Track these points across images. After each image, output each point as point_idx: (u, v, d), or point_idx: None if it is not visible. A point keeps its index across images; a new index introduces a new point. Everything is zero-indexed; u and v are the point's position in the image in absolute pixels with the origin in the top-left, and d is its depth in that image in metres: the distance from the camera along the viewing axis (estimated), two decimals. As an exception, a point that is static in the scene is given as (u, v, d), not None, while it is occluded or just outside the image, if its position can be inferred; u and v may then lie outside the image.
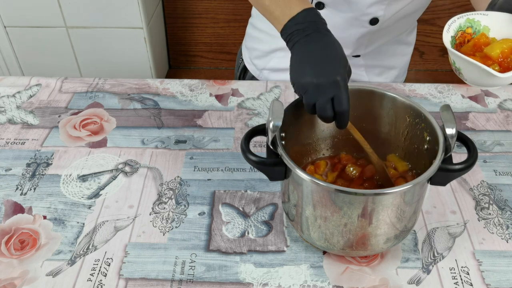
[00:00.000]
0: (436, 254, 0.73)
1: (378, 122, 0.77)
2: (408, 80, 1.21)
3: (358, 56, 1.06)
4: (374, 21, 0.95)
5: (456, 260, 0.72)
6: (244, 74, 1.21)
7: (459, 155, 0.88)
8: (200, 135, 0.94)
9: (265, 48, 1.12)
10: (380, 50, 1.07)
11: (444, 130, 0.65)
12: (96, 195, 0.82)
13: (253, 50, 1.16)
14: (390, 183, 0.73)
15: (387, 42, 1.06)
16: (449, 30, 0.70)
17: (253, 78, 1.17)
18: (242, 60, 1.20)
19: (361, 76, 1.09)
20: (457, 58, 0.65)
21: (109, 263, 0.72)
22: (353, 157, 0.81)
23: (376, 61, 1.08)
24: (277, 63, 1.11)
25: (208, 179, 0.85)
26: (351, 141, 0.81)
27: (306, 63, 0.68)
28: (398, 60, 1.12)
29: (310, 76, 0.66)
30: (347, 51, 1.04)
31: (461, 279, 0.70)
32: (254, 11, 1.15)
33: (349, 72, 0.69)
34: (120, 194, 0.82)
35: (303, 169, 0.64)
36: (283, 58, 1.10)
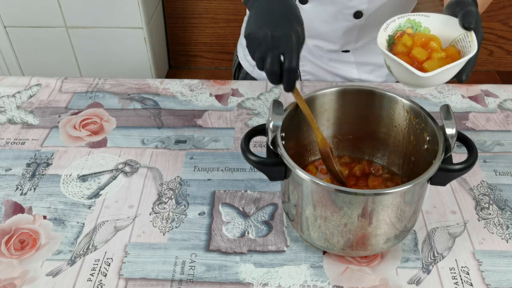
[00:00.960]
0: (436, 254, 0.73)
1: (378, 122, 0.77)
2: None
3: (348, 51, 1.06)
4: (358, 15, 0.95)
5: (456, 260, 0.72)
6: (239, 71, 1.22)
7: (459, 155, 0.88)
8: (200, 135, 0.94)
9: None
10: (370, 47, 1.07)
11: (444, 130, 0.65)
12: (96, 195, 0.82)
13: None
14: (332, 166, 0.74)
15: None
16: (387, 29, 0.68)
17: (247, 74, 1.18)
18: (237, 57, 1.21)
19: (352, 73, 1.10)
20: (386, 56, 0.65)
21: (109, 263, 0.72)
22: (336, 156, 0.81)
23: (366, 58, 1.08)
24: None
25: (208, 179, 0.85)
26: (351, 141, 0.81)
27: (264, 18, 0.68)
28: None
29: (266, 28, 0.66)
30: (335, 46, 1.05)
31: (461, 279, 0.70)
32: None
33: (302, 38, 0.68)
34: (120, 194, 0.82)
35: (303, 169, 0.63)
36: None
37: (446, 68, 0.62)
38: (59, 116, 0.99)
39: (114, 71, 2.31)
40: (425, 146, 0.71)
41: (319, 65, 1.09)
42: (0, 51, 2.28)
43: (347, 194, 0.61)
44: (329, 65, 1.09)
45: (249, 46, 0.68)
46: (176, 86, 1.07)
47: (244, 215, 0.79)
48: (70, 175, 0.86)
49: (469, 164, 0.65)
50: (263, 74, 1.14)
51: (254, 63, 1.14)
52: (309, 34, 1.04)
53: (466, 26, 0.65)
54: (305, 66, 1.10)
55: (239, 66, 1.21)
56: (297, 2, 0.97)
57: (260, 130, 0.70)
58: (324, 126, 0.79)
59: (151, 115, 0.99)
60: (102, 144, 0.92)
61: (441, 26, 0.68)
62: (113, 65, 2.31)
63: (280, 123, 0.65)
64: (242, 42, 1.19)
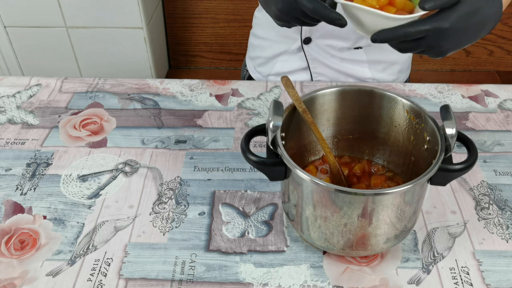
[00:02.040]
0: (436, 254, 0.73)
1: (378, 122, 0.77)
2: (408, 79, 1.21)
3: (360, 48, 1.06)
4: None
5: (456, 260, 0.72)
6: None
7: (459, 155, 0.88)
8: (200, 135, 0.94)
9: (268, 54, 1.13)
10: (382, 44, 1.07)
11: (444, 130, 0.65)
12: (96, 195, 0.82)
13: (256, 59, 1.17)
14: (343, 185, 0.74)
15: None
16: None
17: None
18: (247, 70, 1.22)
19: (365, 72, 1.10)
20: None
21: (109, 263, 0.72)
22: (336, 156, 0.82)
23: (378, 56, 1.08)
24: (282, 67, 1.12)
25: (208, 179, 0.85)
26: (351, 141, 0.81)
27: None
28: (400, 53, 1.12)
29: None
30: (348, 43, 1.05)
31: (461, 279, 0.70)
32: (254, 20, 1.15)
33: None
34: (120, 194, 0.82)
35: (303, 169, 0.63)
36: (287, 61, 1.11)
37: (358, 6, 0.61)
38: (59, 116, 0.99)
39: (114, 71, 2.31)
40: (425, 146, 0.71)
41: (331, 66, 1.09)
42: (0, 51, 2.28)
43: (347, 194, 0.61)
44: (341, 66, 1.09)
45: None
46: (176, 86, 1.07)
47: (244, 215, 0.79)
48: (70, 175, 0.86)
49: (469, 164, 0.65)
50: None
51: (265, 73, 1.15)
52: (321, 33, 1.04)
53: (420, 5, 0.60)
54: (317, 68, 1.10)
55: (250, 79, 1.22)
56: None
57: (260, 130, 0.70)
58: (324, 126, 0.79)
59: (151, 115, 0.99)
60: (102, 144, 0.92)
61: None
62: (113, 65, 2.31)
63: (280, 123, 0.65)
64: (250, 55, 1.21)
